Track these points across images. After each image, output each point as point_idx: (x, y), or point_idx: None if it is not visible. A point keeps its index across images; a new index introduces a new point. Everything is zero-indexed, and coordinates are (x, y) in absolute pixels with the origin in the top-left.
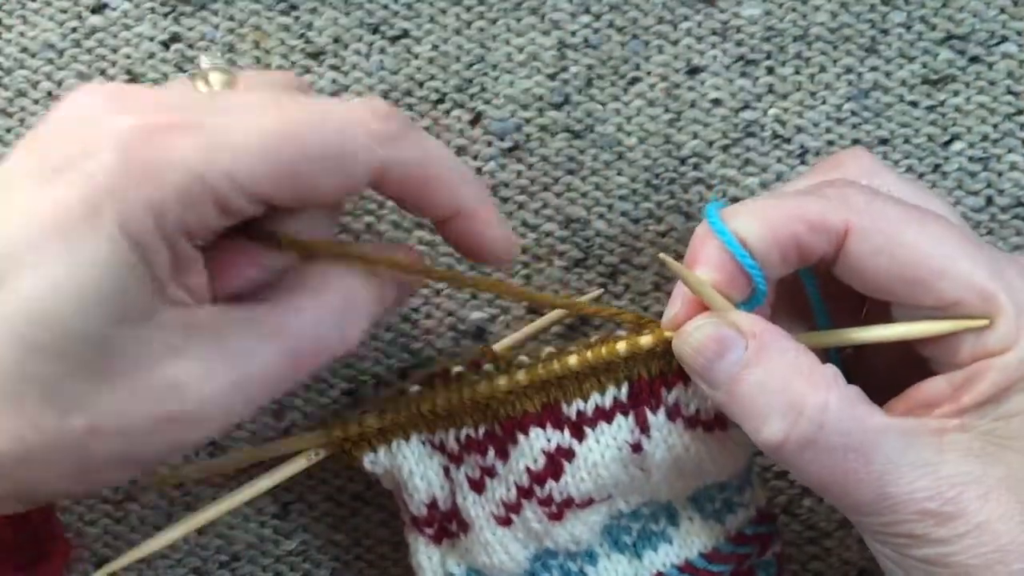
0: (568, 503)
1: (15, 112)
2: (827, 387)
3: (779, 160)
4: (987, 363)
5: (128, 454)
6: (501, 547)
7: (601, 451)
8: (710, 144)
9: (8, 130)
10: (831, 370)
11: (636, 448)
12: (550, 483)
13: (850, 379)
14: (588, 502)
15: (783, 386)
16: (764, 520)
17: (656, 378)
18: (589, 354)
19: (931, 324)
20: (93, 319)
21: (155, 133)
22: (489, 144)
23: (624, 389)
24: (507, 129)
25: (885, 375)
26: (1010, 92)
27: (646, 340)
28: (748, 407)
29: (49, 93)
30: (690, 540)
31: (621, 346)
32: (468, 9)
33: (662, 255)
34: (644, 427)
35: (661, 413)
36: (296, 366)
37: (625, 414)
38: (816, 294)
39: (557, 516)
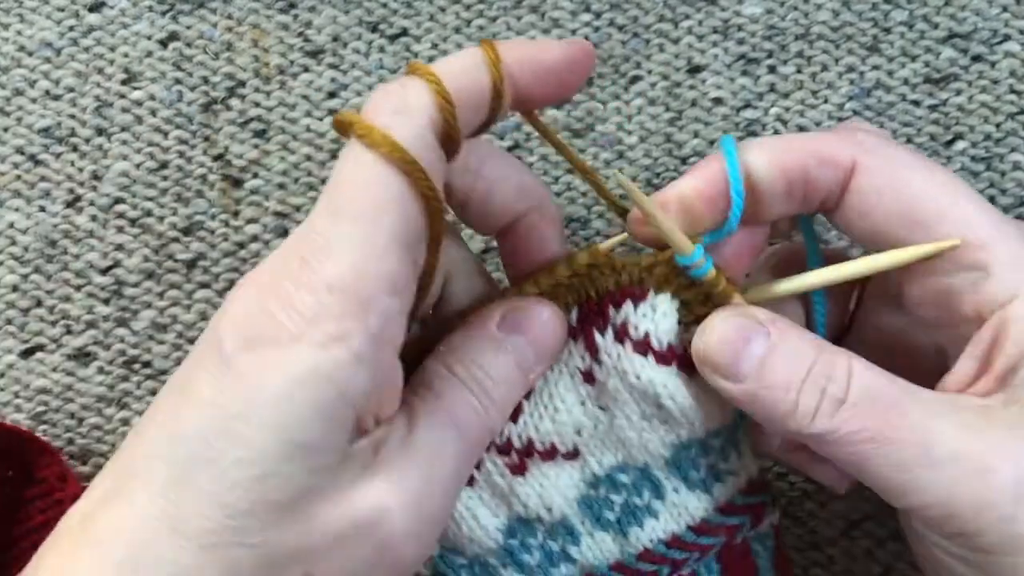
0: (529, 450)
1: (12, 111)
2: (847, 355)
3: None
4: (1002, 321)
5: None
6: (468, 512)
7: (555, 380)
8: (711, 143)
9: (5, 129)
10: (844, 348)
11: (588, 377)
12: (508, 425)
13: None
14: (552, 451)
15: (809, 364)
16: (756, 490)
17: (604, 296)
18: (534, 282)
19: (899, 252)
20: (291, 465)
21: None
22: (489, 143)
23: (573, 314)
24: (507, 128)
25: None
26: (1013, 91)
27: (583, 256)
28: (779, 391)
29: (47, 92)
30: (677, 513)
31: (561, 268)
32: (467, 7)
33: (617, 173)
34: (593, 350)
35: (609, 334)
36: (469, 448)
37: (575, 339)
38: (812, 241)
39: (520, 468)
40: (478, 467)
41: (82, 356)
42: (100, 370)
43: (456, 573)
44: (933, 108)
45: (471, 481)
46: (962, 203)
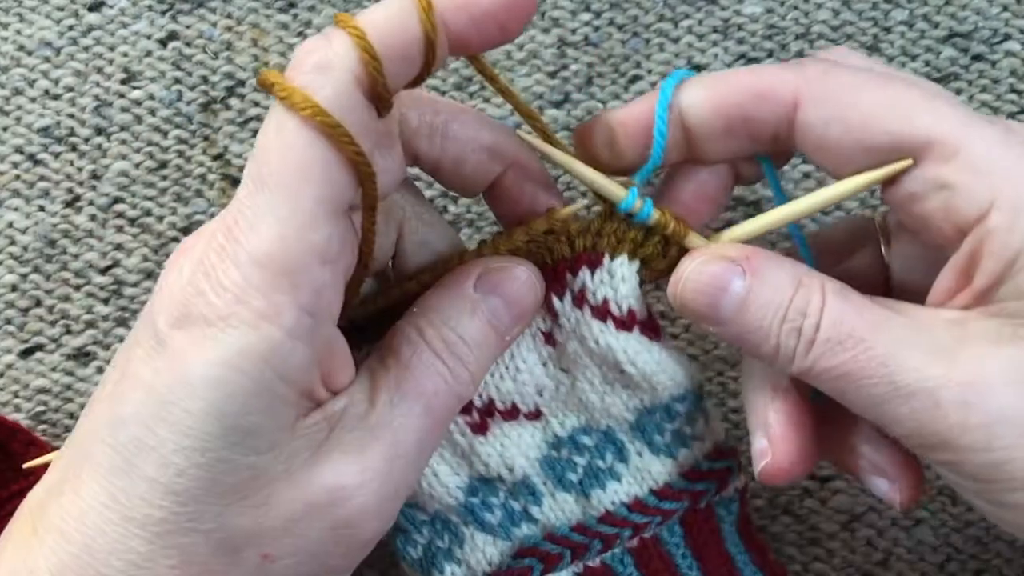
0: (490, 409)
1: (11, 111)
2: (821, 286)
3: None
4: (981, 236)
5: (314, 571)
6: (429, 470)
7: (515, 340)
8: None
9: (5, 128)
10: (819, 274)
11: (549, 339)
12: (473, 396)
13: None
14: (513, 411)
15: (786, 298)
16: (722, 455)
17: (560, 263)
18: (493, 246)
19: (851, 180)
20: (238, 449)
21: None
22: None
23: None
24: None
25: None
26: (1013, 90)
27: (540, 222)
28: (759, 330)
29: (46, 91)
30: (640, 477)
31: (519, 233)
32: None
33: (520, 132)
34: (552, 314)
35: (567, 299)
36: (435, 422)
37: None
38: (775, 180)
39: (480, 428)
40: None
41: (81, 356)
42: (100, 370)
43: (417, 529)
44: None
45: None
46: (916, 120)
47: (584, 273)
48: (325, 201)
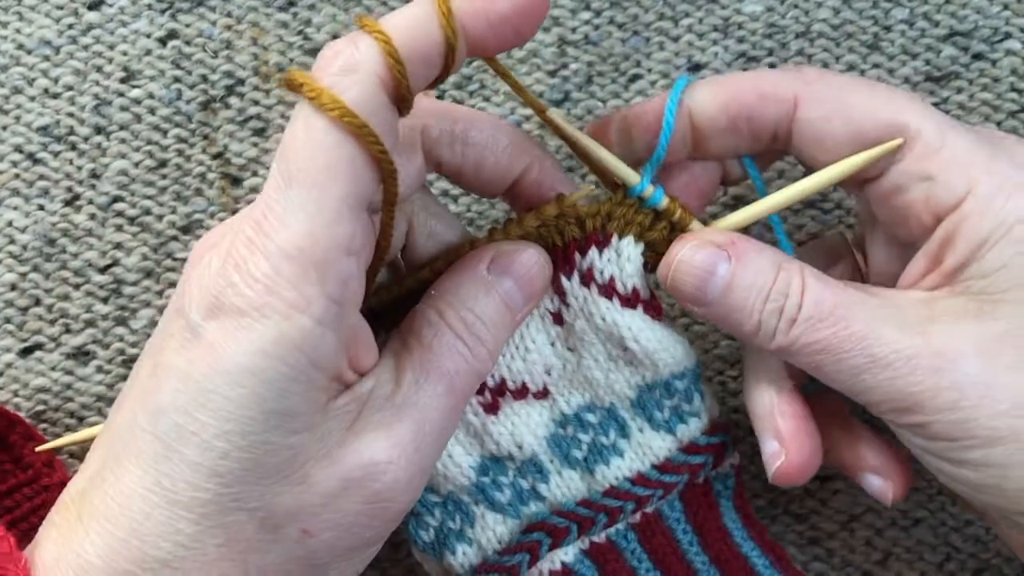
0: (501, 389)
1: (11, 109)
2: (800, 269)
3: (781, 158)
4: (955, 221)
5: (350, 544)
6: (444, 451)
7: (525, 321)
8: None
9: (4, 127)
10: (797, 260)
11: (557, 319)
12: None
13: None
14: (523, 390)
15: (768, 280)
16: (717, 431)
17: (570, 243)
18: (505, 231)
19: (845, 162)
20: (277, 431)
21: None
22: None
23: None
24: None
25: None
26: (1014, 89)
27: (551, 207)
28: (743, 310)
29: (45, 90)
30: (641, 452)
31: (530, 218)
32: None
33: (551, 111)
34: (561, 293)
35: (575, 278)
36: (457, 400)
37: None
38: (759, 177)
39: (492, 407)
40: None
41: (81, 355)
42: (99, 369)
43: (430, 511)
44: (934, 106)
45: None
46: (906, 114)
47: (593, 252)
48: (351, 197)
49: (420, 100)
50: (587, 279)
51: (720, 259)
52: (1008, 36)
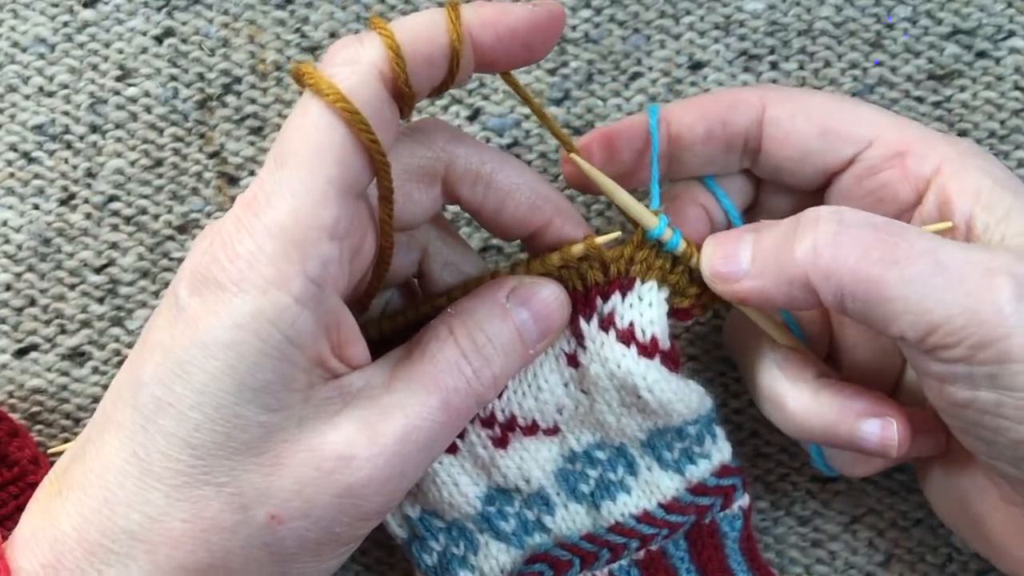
0: (511, 424)
1: (6, 108)
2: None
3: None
4: (941, 184)
5: (319, 538)
6: (450, 479)
7: (540, 360)
8: None
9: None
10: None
11: (573, 360)
12: (492, 401)
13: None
14: (533, 427)
15: (792, 225)
16: (727, 473)
17: (592, 288)
18: (527, 267)
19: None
20: (250, 407)
21: None
22: (488, 140)
23: None
24: (506, 125)
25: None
26: (1017, 87)
27: (577, 248)
28: (780, 245)
29: (41, 88)
30: (649, 491)
31: (554, 257)
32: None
33: (576, 156)
34: (578, 336)
35: (594, 322)
36: (450, 418)
37: None
38: (724, 196)
39: (502, 441)
40: (461, 436)
41: (76, 356)
42: (95, 370)
43: (434, 536)
44: (937, 105)
45: (454, 449)
46: (866, 111)
47: (615, 298)
48: (337, 181)
49: (454, 135)
50: (606, 323)
51: (743, 236)
52: (1012, 34)
